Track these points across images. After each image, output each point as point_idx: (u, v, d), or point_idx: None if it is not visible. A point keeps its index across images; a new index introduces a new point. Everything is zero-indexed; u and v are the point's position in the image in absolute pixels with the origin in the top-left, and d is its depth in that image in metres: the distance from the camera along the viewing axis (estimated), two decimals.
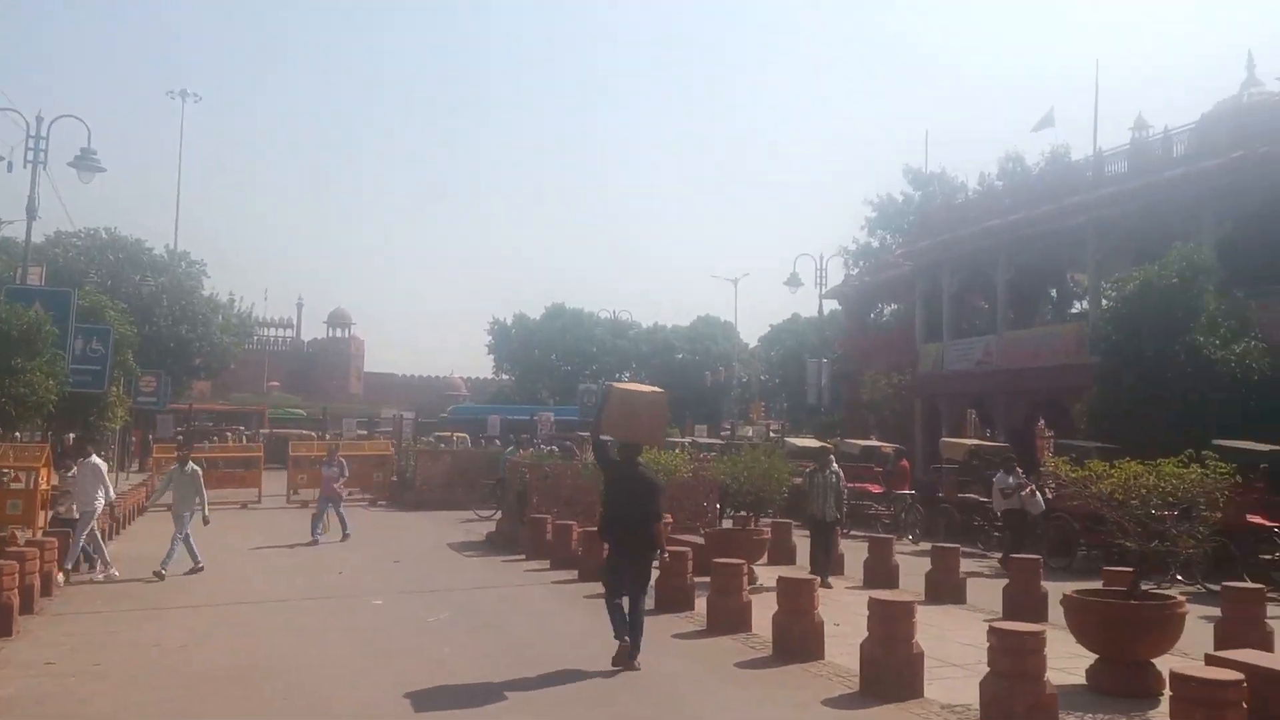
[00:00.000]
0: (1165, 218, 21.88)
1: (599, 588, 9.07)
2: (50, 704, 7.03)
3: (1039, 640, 6.35)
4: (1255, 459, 14.25)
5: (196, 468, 13.87)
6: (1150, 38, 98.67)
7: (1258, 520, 13.73)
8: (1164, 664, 7.03)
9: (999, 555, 15.36)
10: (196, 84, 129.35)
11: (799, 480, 15.22)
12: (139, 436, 38.46)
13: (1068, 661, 7.84)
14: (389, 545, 16.87)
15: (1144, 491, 7.52)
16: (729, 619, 9.69)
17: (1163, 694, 6.75)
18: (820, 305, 36.25)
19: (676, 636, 9.58)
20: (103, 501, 12.99)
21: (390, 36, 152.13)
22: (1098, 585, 9.42)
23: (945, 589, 11.87)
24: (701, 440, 34.36)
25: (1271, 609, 10.26)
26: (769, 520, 15.08)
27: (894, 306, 40.67)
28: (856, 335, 38.58)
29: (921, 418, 30.33)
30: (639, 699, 7.39)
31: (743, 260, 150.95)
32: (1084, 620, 7.32)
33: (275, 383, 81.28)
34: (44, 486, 13.40)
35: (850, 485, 16.41)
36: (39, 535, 12.33)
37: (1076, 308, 31.48)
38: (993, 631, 6.52)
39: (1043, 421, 28.62)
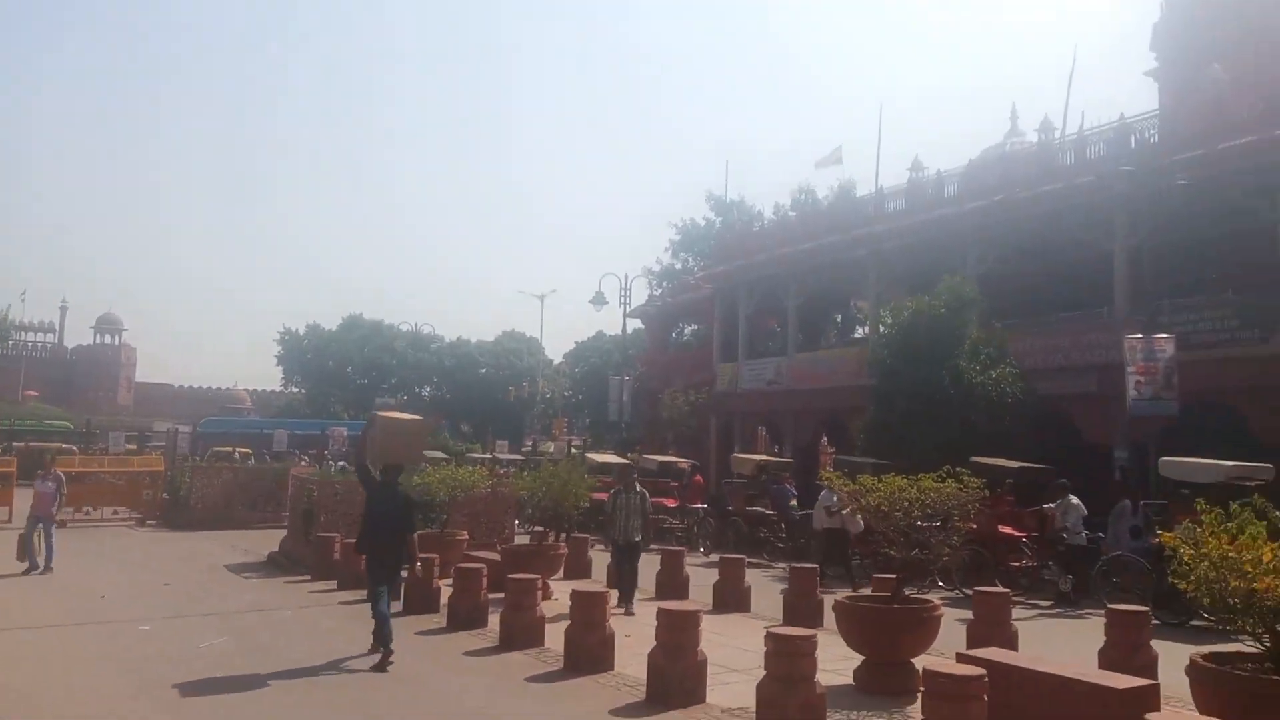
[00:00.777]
0: (937, 252, 23.74)
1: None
2: None
3: (811, 644, 6.73)
4: (1006, 474, 15.70)
5: None
6: (930, 84, 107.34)
7: (1008, 530, 15.10)
8: (923, 663, 7.61)
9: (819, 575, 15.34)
10: None
11: (600, 496, 15.39)
12: None
13: (840, 664, 8.33)
14: (159, 567, 15.73)
15: (907, 504, 8.13)
16: (523, 634, 9.68)
17: (920, 691, 7.30)
18: (624, 324, 36.92)
19: (468, 654, 9.47)
20: None
21: (178, 17, 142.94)
22: (869, 592, 10.07)
23: (731, 598, 12.33)
24: (503, 456, 34.15)
25: (1019, 612, 11.34)
26: (567, 535, 15.18)
27: (694, 327, 42.03)
28: (658, 354, 39.54)
29: (716, 434, 31.42)
30: (425, 717, 7.26)
31: (551, 277, 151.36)
32: (852, 624, 7.82)
33: (33, 392, 74.08)
34: None
35: None
36: None
37: (859, 332, 33.59)
38: (769, 637, 6.86)
39: (826, 438, 30.28)
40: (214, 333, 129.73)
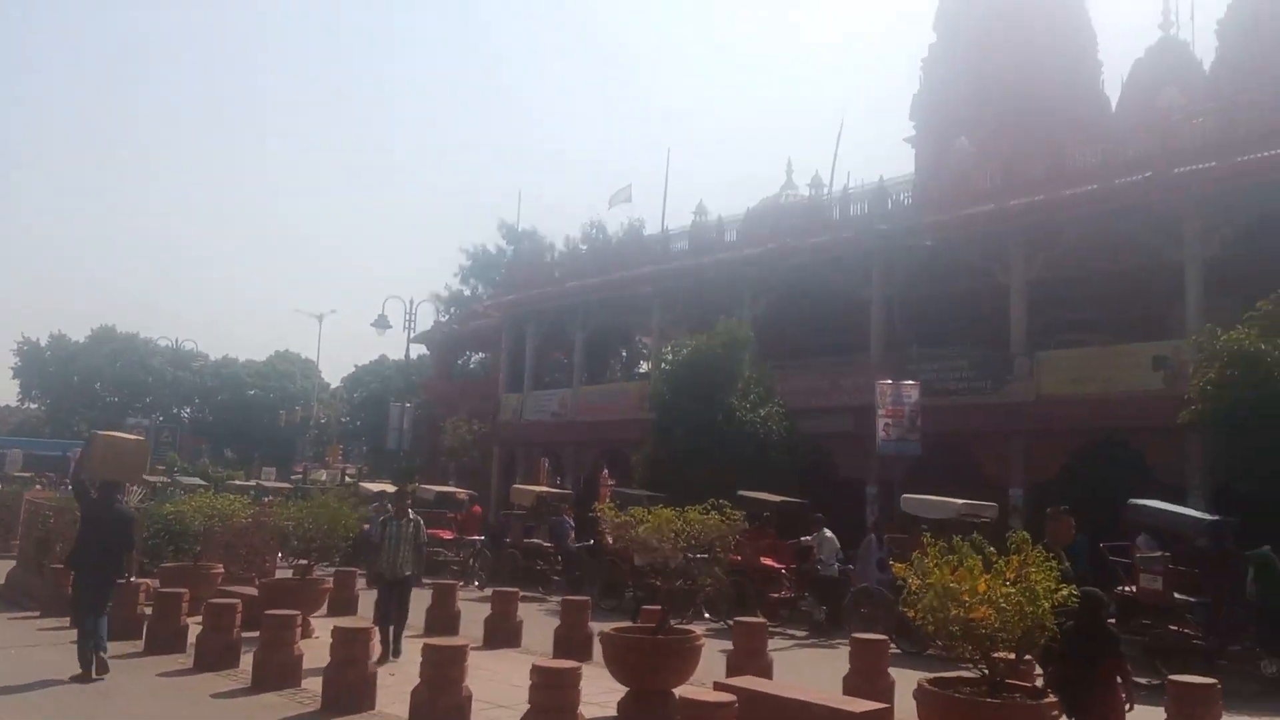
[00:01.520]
0: (717, 293, 24.85)
1: (129, 645, 8.25)
2: None
3: (575, 676, 6.82)
4: (768, 508, 16.54)
5: None
6: (716, 131, 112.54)
7: (769, 562, 15.88)
8: (682, 692, 7.86)
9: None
10: None
11: (366, 526, 14.87)
12: None
13: (606, 696, 8.46)
14: None
15: (673, 535, 8.41)
16: (277, 674, 9.19)
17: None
18: (408, 349, 36.09)
19: (216, 696, 8.89)
20: None
21: None
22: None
23: (502, 633, 12.25)
24: (269, 484, 32.36)
25: (777, 641, 11.95)
26: (333, 569, 14.58)
27: (481, 355, 41.70)
28: (443, 381, 38.90)
29: (499, 465, 31.23)
30: None
31: (331, 297, 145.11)
32: (616, 656, 7.99)
33: None
34: None
35: None
36: None
37: (643, 367, 34.48)
38: (534, 670, 6.89)
39: (607, 470, 30.79)
40: None
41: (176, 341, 60.97)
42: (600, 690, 8.67)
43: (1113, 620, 12.50)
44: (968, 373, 20.00)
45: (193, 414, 62.85)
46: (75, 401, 58.70)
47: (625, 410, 26.40)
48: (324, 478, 36.78)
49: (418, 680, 7.67)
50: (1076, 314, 20.55)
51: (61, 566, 13.42)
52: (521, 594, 13.70)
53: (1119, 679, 6.04)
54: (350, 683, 8.33)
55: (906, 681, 9.06)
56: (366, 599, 13.94)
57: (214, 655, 9.96)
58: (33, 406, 63.15)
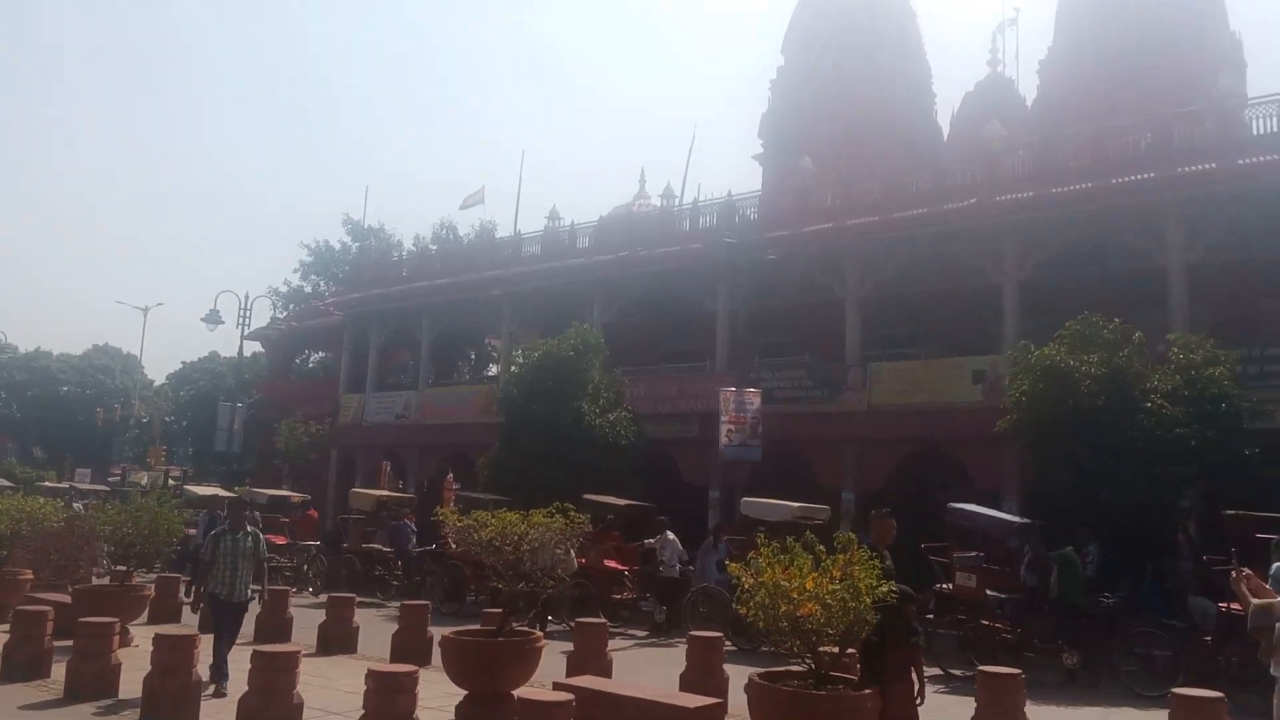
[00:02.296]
0: (568, 299, 24.95)
1: None
2: None
3: (412, 680, 6.74)
4: (613, 511, 16.75)
5: None
6: (571, 136, 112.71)
7: (612, 564, 16.06)
8: (521, 693, 7.87)
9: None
10: None
11: (191, 530, 14.18)
12: None
13: (445, 700, 8.38)
14: None
15: (517, 538, 8.42)
16: (92, 684, 8.67)
17: None
18: (241, 346, 34.46)
19: (25, 708, 8.31)
20: None
21: None
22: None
23: (337, 639, 11.93)
24: (84, 485, 30.32)
25: (618, 641, 12.12)
26: (155, 575, 13.82)
27: (321, 354, 40.29)
28: (279, 381, 37.40)
29: (337, 468, 30.29)
30: None
31: (161, 290, 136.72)
32: (455, 659, 7.91)
33: None
34: None
35: None
36: None
37: (492, 370, 34.17)
38: (369, 674, 6.77)
39: (452, 475, 30.34)
40: None
41: None
42: (438, 695, 8.59)
43: (930, 615, 13.39)
44: (806, 382, 20.83)
45: None
46: None
47: (472, 413, 26.14)
48: (145, 480, 34.67)
49: (246, 689, 7.40)
50: (906, 329, 21.73)
51: None
52: (359, 600, 13.38)
53: (911, 668, 6.46)
54: (171, 693, 7.94)
55: (740, 677, 9.36)
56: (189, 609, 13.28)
57: (23, 665, 9.32)
58: None
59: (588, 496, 15.35)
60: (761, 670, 6.78)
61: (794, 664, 6.86)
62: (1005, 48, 31.90)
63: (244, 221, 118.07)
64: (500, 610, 8.77)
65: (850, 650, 6.91)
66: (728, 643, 10.71)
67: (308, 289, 45.69)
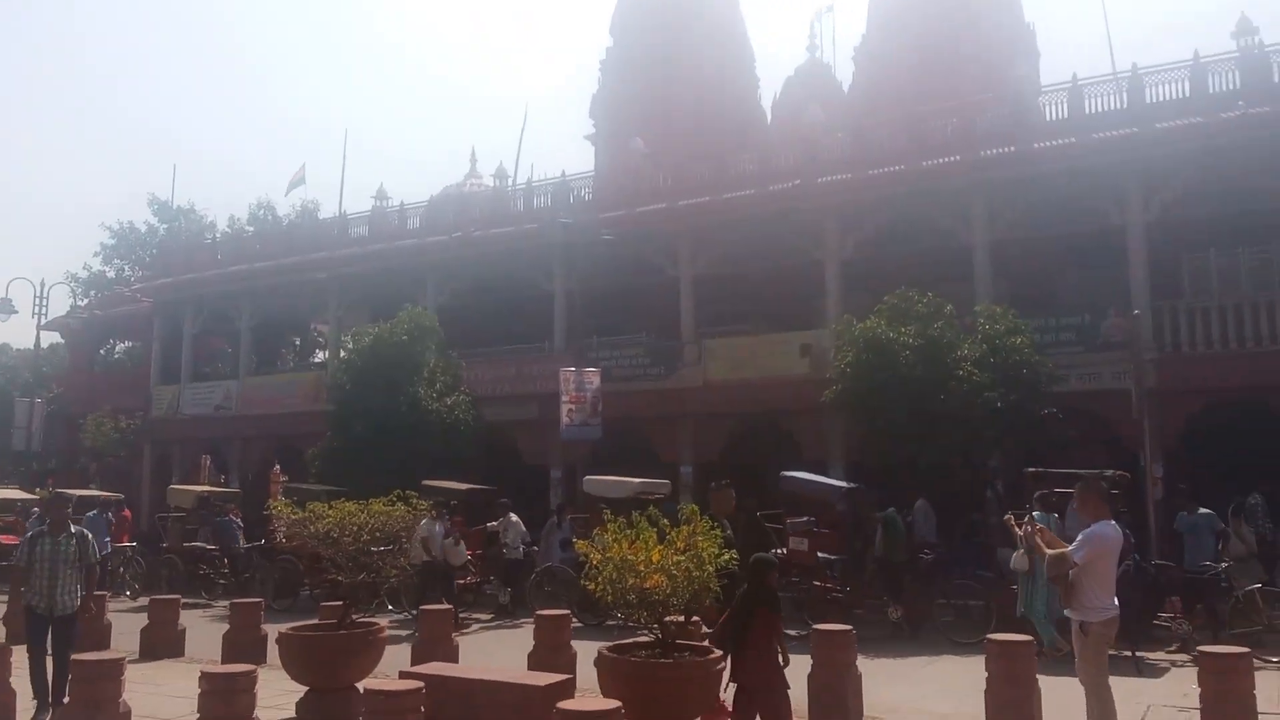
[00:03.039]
0: (399, 281, 24.31)
1: None
2: None
3: (250, 680, 6.47)
4: (455, 496, 16.52)
5: None
6: (396, 115, 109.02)
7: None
8: (366, 685, 7.69)
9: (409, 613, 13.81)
10: None
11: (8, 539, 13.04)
12: None
13: (284, 698, 8.09)
14: None
15: (356, 529, 8.19)
16: None
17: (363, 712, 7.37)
18: (38, 337, 31.79)
19: None
20: None
21: None
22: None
23: (163, 643, 11.28)
24: None
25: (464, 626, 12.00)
26: None
27: (129, 344, 37.70)
28: (82, 373, 34.70)
29: (151, 464, 28.52)
30: None
31: None
32: (294, 655, 7.65)
33: None
34: None
35: None
36: None
37: (319, 356, 32.90)
38: (204, 677, 6.46)
39: (279, 466, 29.06)
40: None
41: None
42: (277, 693, 8.30)
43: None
44: (643, 360, 21.15)
45: None
46: None
47: (299, 402, 25.18)
48: None
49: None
50: (737, 306, 22.38)
51: None
52: (184, 601, 12.70)
53: (772, 634, 6.67)
54: None
55: (588, 652, 9.47)
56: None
57: None
58: None
59: (427, 482, 15.10)
60: (610, 643, 6.88)
61: (641, 635, 7.00)
62: (823, 34, 33.32)
63: (32, 201, 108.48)
64: (339, 603, 8.53)
65: (695, 619, 7.13)
66: (574, 620, 10.79)
67: (111, 274, 42.55)
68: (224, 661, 9.95)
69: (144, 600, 15.37)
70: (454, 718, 6.52)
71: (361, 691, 7.54)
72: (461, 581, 15.48)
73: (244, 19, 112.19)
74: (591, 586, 6.58)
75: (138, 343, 35.10)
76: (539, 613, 9.89)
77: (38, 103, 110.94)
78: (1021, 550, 11.09)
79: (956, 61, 24.82)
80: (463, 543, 14.84)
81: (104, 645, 11.45)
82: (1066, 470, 12.03)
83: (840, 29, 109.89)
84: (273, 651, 9.40)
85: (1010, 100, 19.68)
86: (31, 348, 35.36)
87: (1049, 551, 6.84)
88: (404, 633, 12.19)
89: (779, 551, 13.99)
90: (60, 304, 39.80)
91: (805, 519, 14.32)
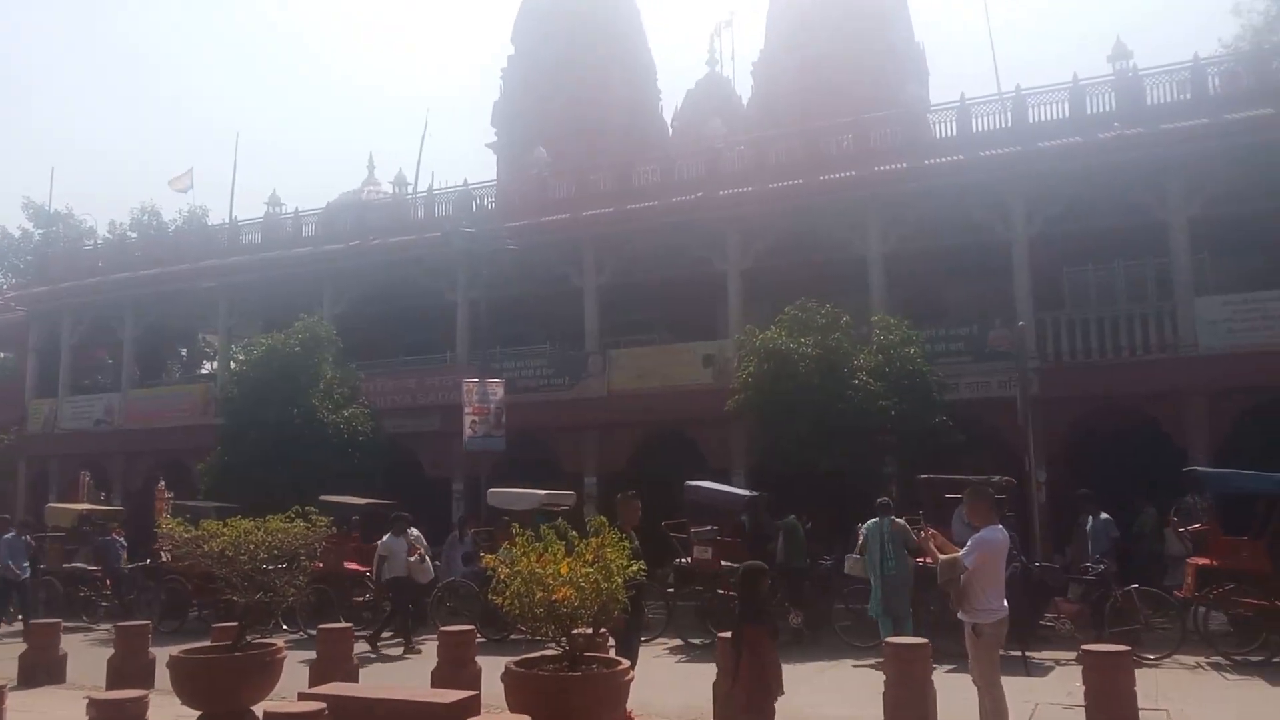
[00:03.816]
0: (294, 290, 23.63)
1: None
2: None
3: (140, 705, 6.20)
4: (353, 511, 16.14)
5: None
6: (290, 120, 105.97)
7: (353, 566, 15.48)
8: (265, 707, 7.44)
9: (367, 634, 13.33)
10: None
11: None
12: None
13: None
14: None
15: (253, 547, 7.92)
16: None
17: None
18: None
19: None
20: None
21: None
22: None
23: (43, 669, 10.70)
24: None
25: (362, 646, 11.73)
26: None
27: (2, 356, 35.70)
28: None
29: (26, 482, 27.03)
30: None
31: None
32: (186, 678, 7.34)
33: None
34: None
35: None
36: None
37: (207, 368, 31.72)
38: (92, 704, 6.16)
39: (164, 483, 27.90)
40: None
41: None
42: (172, 716, 7.96)
43: (670, 589, 14.04)
44: (547, 370, 21.06)
45: None
46: None
47: (185, 415, 24.26)
48: None
49: None
50: (642, 315, 22.51)
51: None
52: (65, 625, 12.06)
53: (762, 651, 6.66)
54: None
55: (493, 667, 9.36)
56: None
57: None
58: None
59: (325, 498, 14.69)
60: (516, 658, 6.83)
61: (548, 649, 6.96)
62: (722, 49, 33.85)
63: None
64: (233, 624, 8.23)
65: (603, 631, 7.12)
66: (478, 635, 10.66)
67: None
68: (109, 687, 9.50)
69: (18, 625, 14.57)
70: None
71: (260, 715, 7.31)
72: (359, 599, 15.12)
73: (129, 10, 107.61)
74: (499, 601, 6.52)
75: (10, 354, 33.28)
76: (442, 630, 9.74)
77: None
78: (855, 555, 11.76)
79: (850, 77, 25.55)
80: (429, 560, 14.34)
81: None
82: (956, 476, 12.47)
83: (739, 44, 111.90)
84: (161, 676, 9.02)
85: (902, 117, 20.34)
86: None
87: (941, 557, 7.06)
88: (302, 653, 11.83)
89: (684, 561, 14.15)
90: None
91: (709, 528, 14.46)
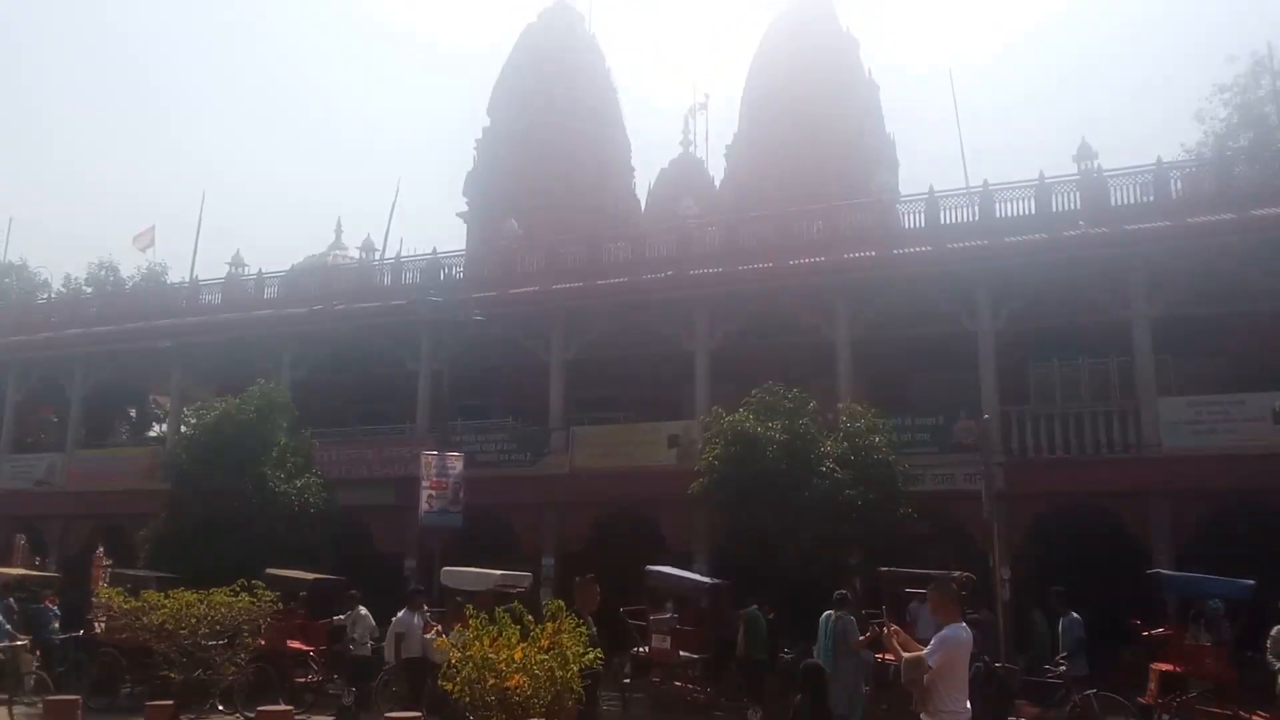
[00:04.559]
0: (252, 353, 23.13)
1: None
2: None
3: None
4: (300, 586, 15.51)
5: None
6: (257, 184, 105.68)
7: (296, 645, 14.80)
8: None
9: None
10: None
11: None
12: None
13: None
14: None
15: (194, 621, 7.50)
16: None
17: None
18: None
19: None
20: None
21: None
22: None
23: None
24: None
25: None
26: None
27: None
28: None
29: None
30: None
31: None
32: None
33: None
34: None
35: None
36: None
37: (156, 430, 30.88)
38: None
39: (103, 549, 26.85)
40: None
41: None
42: None
43: (627, 680, 13.53)
44: (509, 445, 20.66)
45: None
46: None
47: (131, 479, 23.36)
48: None
49: None
50: (607, 392, 22.28)
51: None
52: None
53: None
54: None
55: None
56: None
57: None
58: None
59: (271, 571, 14.11)
60: None
61: None
62: (696, 130, 34.42)
63: None
64: (168, 703, 7.72)
65: None
66: None
67: None
68: None
69: None
70: None
71: None
72: (302, 680, 14.43)
73: (101, 61, 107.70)
74: (448, 686, 6.15)
75: None
76: (386, 715, 9.22)
77: None
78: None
79: (822, 164, 26.01)
80: (444, 637, 13.55)
81: None
82: (919, 571, 12.23)
83: (714, 126, 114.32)
84: None
85: (872, 206, 20.62)
86: None
87: (905, 655, 6.80)
88: None
89: (641, 650, 13.67)
90: None
91: (669, 615, 14.05)
